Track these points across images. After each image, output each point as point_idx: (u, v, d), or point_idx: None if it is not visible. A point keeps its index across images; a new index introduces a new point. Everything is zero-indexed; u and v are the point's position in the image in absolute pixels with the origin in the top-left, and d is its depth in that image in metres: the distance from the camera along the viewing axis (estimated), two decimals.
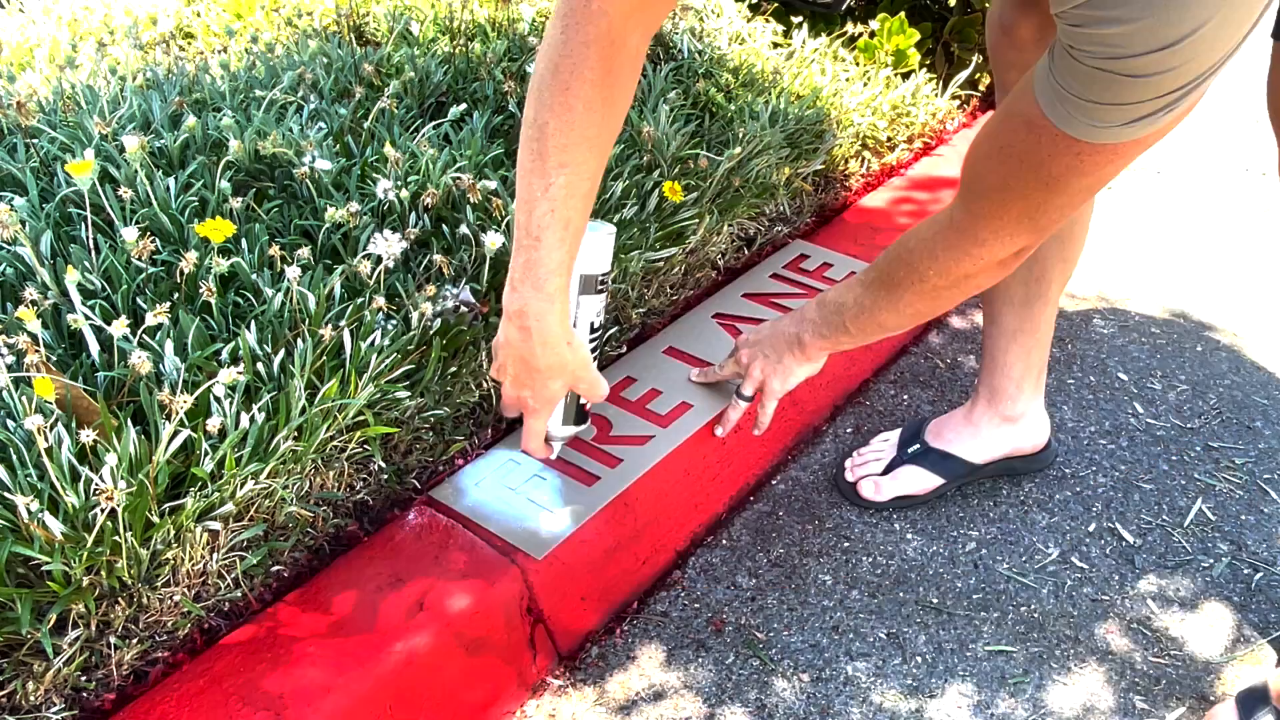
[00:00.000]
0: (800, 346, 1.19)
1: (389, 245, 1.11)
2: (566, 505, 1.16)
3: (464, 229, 1.27)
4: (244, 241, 1.18)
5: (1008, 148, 0.85)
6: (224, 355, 1.04)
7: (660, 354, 1.43)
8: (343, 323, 1.09)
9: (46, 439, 0.87)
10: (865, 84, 2.02)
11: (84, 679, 0.91)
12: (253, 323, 1.07)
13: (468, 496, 1.16)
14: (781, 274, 1.64)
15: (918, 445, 1.33)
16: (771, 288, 1.61)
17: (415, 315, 1.15)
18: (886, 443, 1.37)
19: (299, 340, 1.06)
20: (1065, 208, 0.87)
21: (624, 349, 1.44)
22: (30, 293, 1.03)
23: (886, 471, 1.33)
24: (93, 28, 1.95)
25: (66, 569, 0.86)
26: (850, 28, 2.15)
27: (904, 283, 1.03)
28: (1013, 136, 0.85)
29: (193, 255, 1.07)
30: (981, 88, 2.31)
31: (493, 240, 1.21)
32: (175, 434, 0.92)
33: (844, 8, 2.15)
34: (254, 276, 1.13)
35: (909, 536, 1.29)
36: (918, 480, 1.32)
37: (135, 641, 0.93)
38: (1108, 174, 0.82)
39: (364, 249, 1.19)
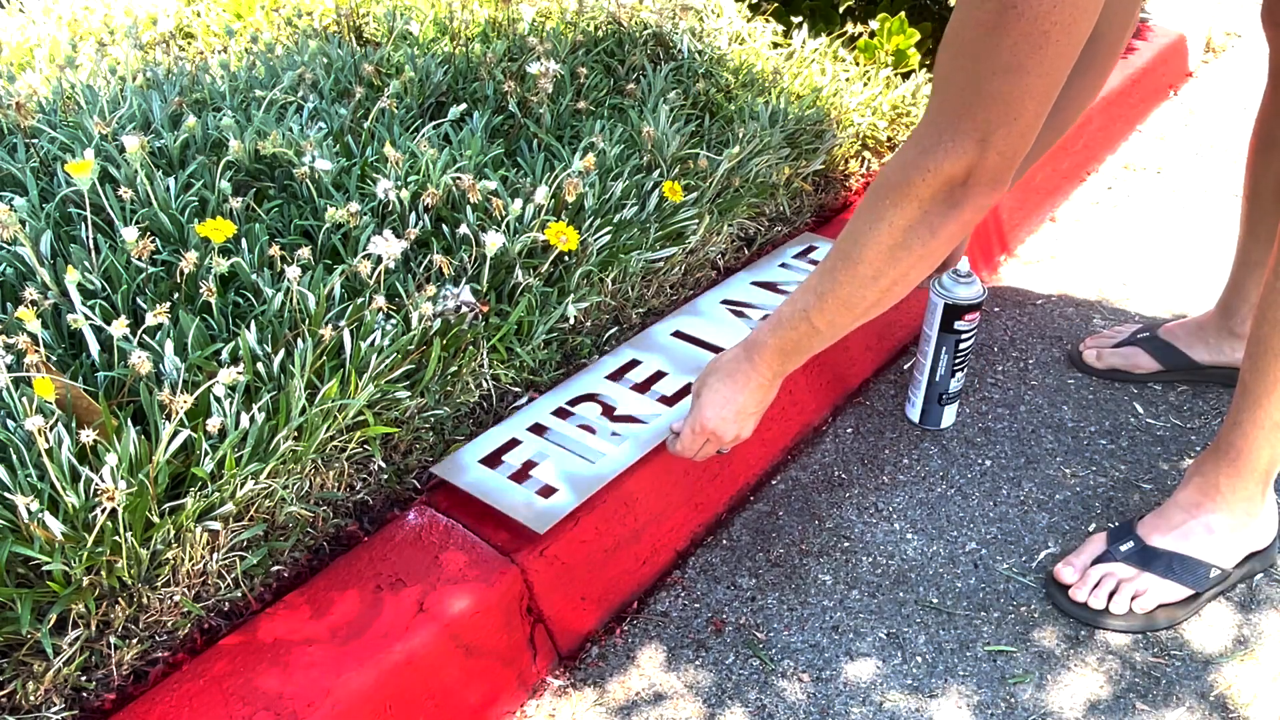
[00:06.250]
0: (750, 364, 1.10)
1: (389, 245, 1.11)
2: (569, 482, 1.16)
3: (464, 229, 1.27)
4: (244, 241, 1.18)
5: (947, 41, 0.86)
6: (224, 355, 1.04)
7: (668, 337, 1.42)
8: (343, 323, 1.09)
9: (46, 439, 0.87)
10: (865, 84, 2.02)
11: (84, 679, 0.91)
12: (253, 323, 1.07)
13: (469, 473, 1.16)
14: (790, 264, 1.63)
15: (1148, 333, 1.56)
16: (781, 276, 1.60)
17: (415, 315, 1.15)
18: (1123, 329, 1.60)
19: (299, 340, 1.06)
20: (1003, 96, 0.83)
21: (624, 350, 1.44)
22: (30, 293, 1.03)
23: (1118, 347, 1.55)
24: (93, 28, 1.95)
25: (66, 569, 0.86)
26: (850, 28, 2.15)
27: (863, 241, 0.96)
28: (951, 27, 0.86)
29: (193, 255, 1.07)
30: None
31: (493, 240, 1.21)
32: (175, 434, 0.92)
33: None
34: (254, 276, 1.13)
35: (909, 536, 1.29)
36: (1139, 360, 1.54)
37: (135, 641, 0.93)
38: (1028, 46, 0.80)
39: (364, 249, 1.19)
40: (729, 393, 1.11)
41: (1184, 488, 1.20)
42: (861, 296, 0.99)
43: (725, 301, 1.52)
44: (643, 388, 1.32)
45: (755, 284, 1.57)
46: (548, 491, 1.14)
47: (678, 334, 1.43)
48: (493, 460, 1.18)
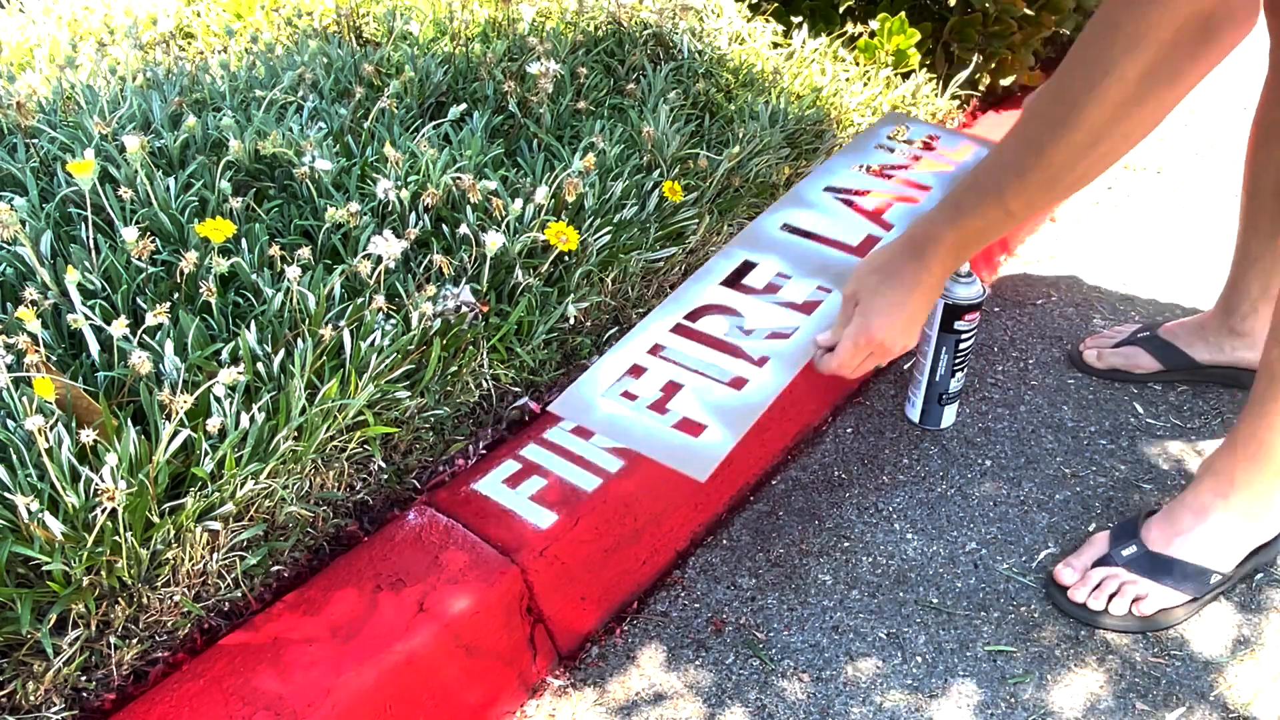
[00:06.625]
0: (919, 262, 0.98)
1: (389, 245, 1.11)
2: (718, 415, 0.96)
3: (464, 229, 1.27)
4: (244, 241, 1.18)
5: None
6: (224, 355, 1.04)
7: (779, 231, 1.26)
8: (343, 323, 1.09)
9: (46, 439, 0.87)
10: (865, 84, 2.02)
11: (84, 679, 0.91)
12: (253, 323, 1.07)
13: (596, 411, 0.97)
14: (887, 144, 1.52)
15: (1148, 333, 1.54)
16: (883, 158, 1.46)
17: (415, 315, 1.15)
18: (1123, 329, 1.57)
19: (299, 340, 1.06)
20: None
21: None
22: (30, 293, 1.03)
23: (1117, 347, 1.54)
24: (93, 28, 1.95)
25: (66, 569, 0.86)
26: (850, 28, 2.15)
27: (1081, 100, 0.83)
28: None
29: (193, 255, 1.08)
30: (981, 88, 2.31)
31: (493, 240, 1.21)
32: (175, 434, 0.92)
33: None
34: (254, 276, 1.13)
35: (909, 536, 1.29)
36: (1139, 360, 1.52)
37: (135, 641, 0.94)
38: None
39: (364, 249, 1.19)
40: (897, 297, 1.00)
41: (1194, 488, 1.19)
42: (1071, 168, 0.88)
43: (830, 189, 1.38)
44: (769, 292, 1.13)
45: (860, 168, 1.45)
46: (697, 427, 0.94)
47: (788, 228, 1.27)
48: (618, 391, 0.99)
